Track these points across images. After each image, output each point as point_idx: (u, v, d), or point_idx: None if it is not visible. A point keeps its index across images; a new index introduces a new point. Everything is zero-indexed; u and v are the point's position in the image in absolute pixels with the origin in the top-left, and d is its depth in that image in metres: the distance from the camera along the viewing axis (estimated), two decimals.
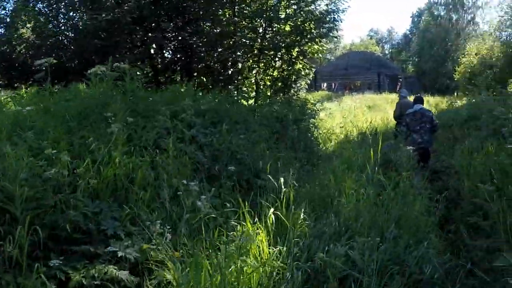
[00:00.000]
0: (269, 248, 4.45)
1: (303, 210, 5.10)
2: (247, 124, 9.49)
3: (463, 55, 41.27)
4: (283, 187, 5.13)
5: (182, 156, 6.48)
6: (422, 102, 11.19)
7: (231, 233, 4.51)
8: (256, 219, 4.66)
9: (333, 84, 63.98)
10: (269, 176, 5.71)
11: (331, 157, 10.57)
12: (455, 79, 41.30)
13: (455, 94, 40.65)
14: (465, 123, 13.09)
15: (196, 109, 8.19)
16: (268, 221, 4.65)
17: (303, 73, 16.01)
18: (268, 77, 16.08)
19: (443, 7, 71.75)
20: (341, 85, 62.06)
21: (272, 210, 4.73)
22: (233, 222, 4.66)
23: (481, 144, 8.82)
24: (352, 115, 22.68)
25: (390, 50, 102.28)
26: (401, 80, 63.24)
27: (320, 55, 16.49)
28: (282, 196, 5.07)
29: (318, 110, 14.51)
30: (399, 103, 14.01)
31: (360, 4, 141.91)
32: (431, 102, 33.86)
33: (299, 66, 15.92)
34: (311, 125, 13.62)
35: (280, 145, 10.07)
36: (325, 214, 5.55)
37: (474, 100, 15.59)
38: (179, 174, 6.01)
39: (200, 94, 10.89)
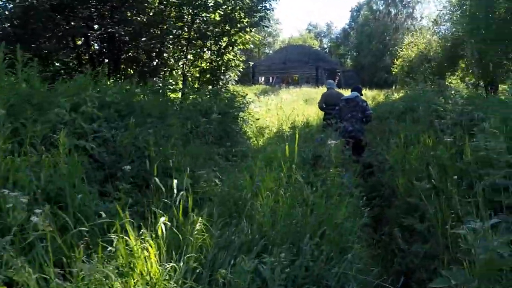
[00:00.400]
0: (161, 265, 3.61)
1: (206, 216, 4.33)
2: (165, 118, 8.70)
3: (401, 49, 41.56)
4: (175, 189, 4.28)
5: (80, 153, 5.60)
6: (359, 91, 11.18)
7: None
8: (145, 229, 3.78)
9: (271, 78, 63.35)
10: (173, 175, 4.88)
11: (260, 152, 9.87)
12: (393, 73, 41.49)
13: (393, 87, 40.87)
14: (401, 115, 12.50)
15: (102, 101, 7.33)
16: (160, 232, 3.79)
17: (232, 64, 15.18)
18: (197, 69, 15.22)
19: (382, 1, 72.98)
20: (279, 79, 61.59)
21: (163, 218, 3.84)
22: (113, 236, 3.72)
23: (418, 137, 8.18)
24: (287, 109, 22.07)
25: (329, 44, 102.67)
26: (339, 74, 63.46)
27: (251, 45, 15.66)
28: (178, 200, 4.20)
29: (247, 103, 13.71)
30: (324, 94, 14.02)
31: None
32: (369, 95, 33.88)
33: (228, 56, 15.12)
34: (240, 118, 12.88)
35: (202, 140, 9.30)
36: (236, 220, 4.76)
37: (410, 92, 15.15)
38: (70, 174, 5.12)
39: (127, 87, 10.03)
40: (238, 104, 13.10)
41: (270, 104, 23.52)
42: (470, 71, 31.65)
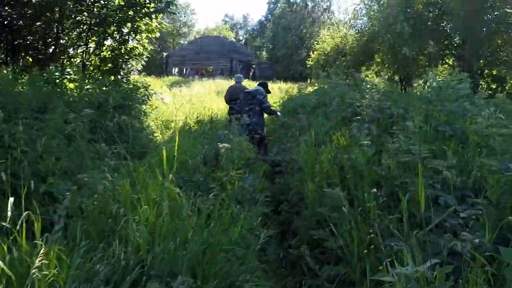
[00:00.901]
0: None
1: (70, 237, 3.38)
2: (51, 112, 7.58)
3: (317, 42, 41.37)
4: (9, 210, 3.20)
5: None
6: (265, 87, 11.37)
7: None
8: None
9: (184, 69, 62.25)
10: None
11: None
12: (308, 66, 41.22)
13: (309, 81, 40.64)
14: (314, 110, 11.78)
15: None
16: None
17: (136, 52, 14.06)
18: (98, 58, 14.01)
19: None
20: (193, 70, 60.86)
21: None
22: None
23: (330, 135, 7.41)
24: (198, 101, 21.20)
25: (245, 36, 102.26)
26: (254, 66, 63.15)
27: (158, 33, 14.55)
28: (20, 223, 3.16)
29: (149, 95, 12.67)
30: (230, 87, 13.99)
31: None
32: (283, 89, 33.49)
33: (132, 45, 14.01)
34: (142, 112, 11.87)
35: (94, 136, 8.26)
36: (106, 242, 3.80)
37: (325, 86, 14.43)
38: None
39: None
40: (140, 96, 12.08)
41: (179, 96, 22.55)
42: (386, 65, 31.87)
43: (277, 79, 51.13)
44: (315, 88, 16.90)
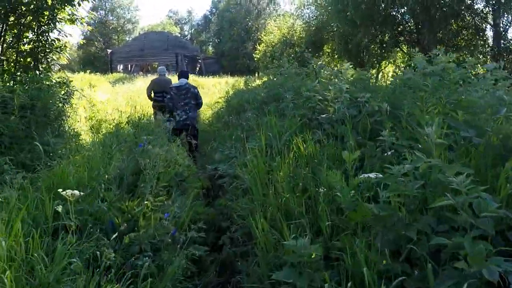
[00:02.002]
0: None
1: None
2: None
3: (264, 34, 40.12)
4: None
5: None
6: (187, 77, 10.99)
7: None
8: None
9: (129, 65, 60.14)
10: None
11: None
12: (255, 59, 39.86)
13: (256, 74, 39.30)
14: (263, 106, 10.08)
15: None
16: None
17: (58, 44, 12.17)
18: (14, 51, 12.07)
19: None
20: (137, 66, 58.86)
21: None
22: None
23: (286, 141, 5.67)
24: (139, 99, 19.55)
25: (190, 31, 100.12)
26: (200, 61, 61.63)
27: (80, 24, 12.66)
28: None
29: (71, 91, 10.87)
30: (153, 80, 13.73)
31: None
32: (230, 83, 32.17)
33: (52, 37, 12.13)
34: (64, 112, 10.16)
35: None
36: None
37: (274, 78, 12.73)
38: None
39: None
40: (61, 94, 10.32)
41: (120, 93, 20.82)
42: (336, 56, 30.83)
43: (224, 73, 49.80)
44: (264, 80, 15.14)
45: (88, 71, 40.80)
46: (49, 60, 12.05)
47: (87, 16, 13.16)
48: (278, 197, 4.47)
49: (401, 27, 26.02)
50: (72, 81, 11.35)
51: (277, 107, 8.50)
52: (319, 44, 32.62)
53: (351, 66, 8.68)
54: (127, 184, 5.53)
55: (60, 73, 12.40)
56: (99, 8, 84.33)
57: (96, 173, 5.39)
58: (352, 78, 8.29)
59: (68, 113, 10.63)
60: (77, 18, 12.43)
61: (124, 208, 4.42)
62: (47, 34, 12.00)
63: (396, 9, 25.13)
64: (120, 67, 61.25)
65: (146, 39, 62.11)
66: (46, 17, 11.74)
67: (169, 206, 4.68)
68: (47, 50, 12.03)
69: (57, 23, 11.93)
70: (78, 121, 11.54)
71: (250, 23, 66.80)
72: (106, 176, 5.47)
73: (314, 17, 34.00)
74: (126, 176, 5.64)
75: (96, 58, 76.81)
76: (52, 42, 12.08)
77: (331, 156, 4.84)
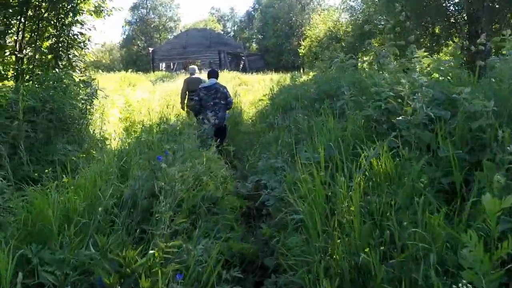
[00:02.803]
0: None
1: None
2: None
3: (308, 29, 38.57)
4: None
5: None
6: (216, 76, 10.61)
7: None
8: None
9: (171, 64, 59.28)
10: None
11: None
12: (300, 55, 38.32)
13: (301, 70, 37.80)
14: (314, 104, 8.53)
15: None
16: None
17: (80, 39, 10.92)
18: (33, 48, 10.84)
19: None
20: (180, 64, 57.79)
21: None
22: None
23: (349, 152, 4.12)
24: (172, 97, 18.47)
25: (233, 28, 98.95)
26: (243, 58, 60.36)
27: (105, 15, 11.36)
28: None
29: (94, 91, 9.61)
30: (186, 80, 13.33)
31: None
32: (274, 79, 30.89)
33: (74, 30, 10.89)
34: (86, 115, 8.95)
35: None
36: None
37: (325, 70, 11.08)
38: None
39: None
40: (82, 94, 9.09)
41: (156, 92, 19.67)
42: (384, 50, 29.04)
43: (268, 70, 48.41)
44: (314, 73, 13.47)
45: (130, 70, 40.49)
46: (70, 56, 10.78)
47: (114, 8, 11.85)
48: (347, 244, 2.98)
49: (453, 18, 24.18)
50: (94, 79, 10.12)
51: (331, 105, 6.98)
52: (366, 38, 31.04)
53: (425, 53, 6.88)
54: (140, 211, 4.18)
55: (85, 72, 11.13)
56: (140, 7, 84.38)
57: (95, 200, 4.02)
58: (429, 69, 6.58)
59: (90, 116, 9.38)
60: (102, 9, 11.19)
61: (120, 260, 3.01)
62: (69, 28, 10.76)
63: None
64: (163, 65, 60.59)
65: (188, 37, 61.28)
66: (66, 9, 10.52)
67: (188, 252, 3.25)
68: (69, 46, 10.80)
69: (78, 16, 10.67)
70: (107, 123, 10.28)
71: (294, 18, 65.14)
72: (111, 202, 4.11)
73: (361, 10, 32.29)
74: (140, 199, 4.28)
75: (139, 57, 76.73)
76: (75, 36, 10.84)
77: (427, 182, 3.28)
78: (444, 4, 23.56)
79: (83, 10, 10.76)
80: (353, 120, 5.19)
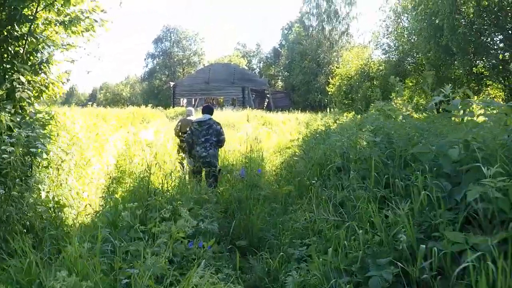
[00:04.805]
0: None
1: None
2: None
3: (337, 67, 35.85)
4: None
5: None
6: (211, 112, 10.30)
7: None
8: None
9: (193, 99, 56.87)
10: None
11: None
12: (329, 93, 35.50)
13: (328, 110, 34.85)
14: (384, 168, 5.05)
15: None
16: None
17: (35, 59, 7.71)
18: None
19: (315, 17, 67.72)
20: (202, 100, 55.38)
21: None
22: None
23: None
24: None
25: (259, 65, 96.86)
26: (268, 95, 57.94)
27: (83, 31, 8.18)
28: None
29: (45, 122, 6.49)
30: (180, 120, 13.65)
31: (228, 20, 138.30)
32: (302, 120, 28.07)
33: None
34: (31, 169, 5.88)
35: None
36: None
37: (385, 114, 7.56)
38: None
39: None
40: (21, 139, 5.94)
41: (159, 133, 16.65)
42: (420, 90, 26.49)
43: (294, 108, 45.55)
44: (367, 115, 9.99)
45: (150, 104, 38.52)
46: (14, 83, 7.44)
47: (103, 21, 8.63)
48: None
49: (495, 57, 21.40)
50: (52, 117, 6.93)
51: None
52: (400, 77, 28.23)
53: None
54: None
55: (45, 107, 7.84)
56: (164, 39, 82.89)
57: None
58: None
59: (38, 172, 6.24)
60: (80, 21, 8.04)
61: None
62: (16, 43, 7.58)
63: (490, 35, 21.51)
64: (184, 101, 58.79)
65: (211, 71, 59.26)
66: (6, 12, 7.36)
67: None
68: (8, 66, 7.53)
69: (35, 26, 7.53)
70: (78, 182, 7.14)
71: (322, 56, 62.48)
72: None
73: (395, 47, 29.52)
74: None
75: (160, 91, 75.08)
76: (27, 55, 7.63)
77: None
78: (485, 40, 21.66)
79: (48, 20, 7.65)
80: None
